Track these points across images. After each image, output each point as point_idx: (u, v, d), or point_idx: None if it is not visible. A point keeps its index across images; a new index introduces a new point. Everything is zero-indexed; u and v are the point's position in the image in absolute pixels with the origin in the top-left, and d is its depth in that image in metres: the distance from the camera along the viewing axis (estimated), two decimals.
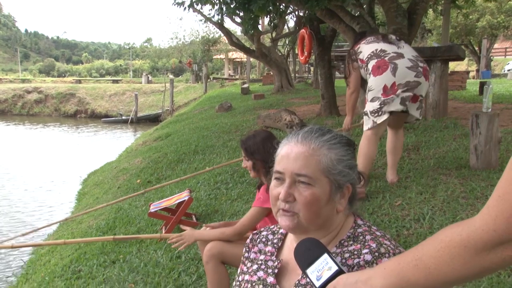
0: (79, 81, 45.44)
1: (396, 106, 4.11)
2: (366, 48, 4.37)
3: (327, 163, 1.23)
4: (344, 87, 5.09)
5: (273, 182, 1.29)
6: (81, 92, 37.65)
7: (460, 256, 0.87)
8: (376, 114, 4.17)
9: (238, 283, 1.44)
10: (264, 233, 1.47)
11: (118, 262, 4.23)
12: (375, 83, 4.19)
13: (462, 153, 5.17)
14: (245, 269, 1.43)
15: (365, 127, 4.28)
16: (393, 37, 4.47)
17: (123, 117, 31.60)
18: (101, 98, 36.87)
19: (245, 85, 22.05)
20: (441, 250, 0.90)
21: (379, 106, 4.15)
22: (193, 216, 5.02)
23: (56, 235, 7.01)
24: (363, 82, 4.54)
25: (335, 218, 1.27)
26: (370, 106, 4.22)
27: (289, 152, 1.26)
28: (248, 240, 1.49)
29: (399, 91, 4.11)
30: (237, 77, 39.50)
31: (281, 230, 1.44)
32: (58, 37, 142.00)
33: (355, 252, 1.18)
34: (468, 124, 4.87)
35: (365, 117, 4.30)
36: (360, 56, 4.40)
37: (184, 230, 2.91)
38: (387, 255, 1.14)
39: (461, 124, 6.69)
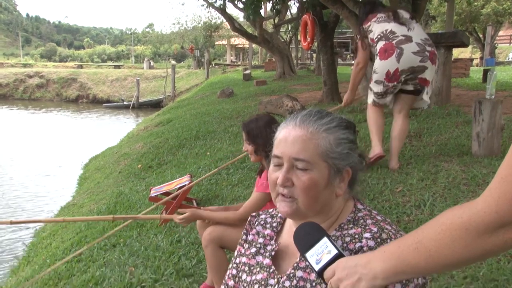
0: (81, 66, 45.37)
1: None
2: (376, 28, 4.38)
3: (325, 147, 1.20)
4: (346, 74, 5.08)
5: (272, 167, 1.27)
6: (82, 77, 37.56)
7: (461, 239, 0.85)
8: (380, 97, 4.39)
9: (235, 265, 1.43)
10: (263, 216, 1.46)
11: (119, 245, 4.24)
12: (379, 66, 4.32)
13: (464, 140, 5.15)
14: (242, 250, 1.42)
15: (369, 100, 4.55)
16: (405, 15, 4.42)
17: (125, 103, 31.53)
18: (102, 83, 36.80)
19: (247, 71, 21.96)
20: (441, 233, 0.88)
21: (383, 91, 4.34)
22: (194, 201, 5.02)
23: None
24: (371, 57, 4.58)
25: (334, 202, 1.25)
26: (374, 87, 4.42)
27: (287, 136, 1.23)
28: (246, 224, 1.49)
29: (402, 77, 4.25)
30: (239, 63, 39.35)
31: (280, 214, 1.42)
32: (59, 21, 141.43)
33: (356, 236, 1.17)
34: (471, 111, 4.84)
35: (369, 91, 4.53)
36: (371, 35, 4.43)
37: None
38: (389, 240, 1.12)
39: (463, 111, 6.66)
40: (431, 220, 0.94)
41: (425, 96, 4.40)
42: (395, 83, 4.28)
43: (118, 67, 44.66)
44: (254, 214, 1.50)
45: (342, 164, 1.23)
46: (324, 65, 10.05)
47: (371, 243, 1.13)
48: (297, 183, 1.20)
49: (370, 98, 4.52)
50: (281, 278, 1.24)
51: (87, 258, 4.11)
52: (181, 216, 2.81)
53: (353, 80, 4.70)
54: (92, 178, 9.15)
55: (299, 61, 27.08)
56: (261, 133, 2.75)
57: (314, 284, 1.17)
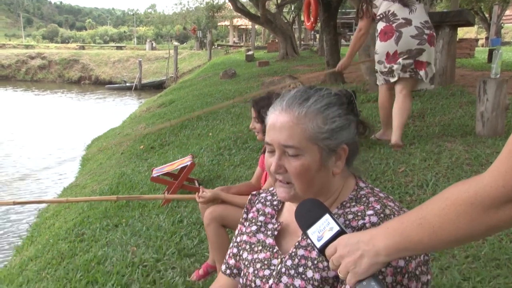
0: (83, 47, 45.15)
1: (397, 72, 4.47)
2: (381, 5, 4.55)
3: (313, 130, 1.16)
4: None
5: (267, 153, 1.26)
6: (84, 59, 37.43)
7: (466, 214, 0.83)
8: (390, 75, 4.56)
9: (236, 244, 1.43)
10: (263, 194, 1.45)
11: (121, 226, 4.26)
12: (380, 48, 4.56)
13: (468, 120, 5.11)
14: (243, 229, 1.41)
15: (378, 82, 4.79)
16: None
17: (127, 84, 31.46)
18: (105, 64, 36.68)
19: (250, 52, 21.87)
20: (446, 208, 0.86)
21: (387, 69, 4.54)
22: (196, 181, 5.03)
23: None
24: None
25: (332, 182, 1.23)
26: (377, 67, 4.67)
27: (274, 122, 1.21)
28: (247, 202, 1.48)
29: (400, 59, 4.43)
30: (241, 44, 39.13)
31: None
32: (61, 2, 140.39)
33: (359, 213, 1.15)
34: (475, 91, 4.80)
35: (377, 75, 4.78)
36: (375, 11, 4.60)
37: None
38: (391, 216, 1.11)
39: (468, 91, 6.61)
40: (435, 195, 0.92)
41: (425, 79, 4.47)
42: (393, 64, 4.46)
43: (120, 48, 44.46)
44: (254, 192, 1.48)
45: (335, 143, 1.19)
46: (327, 45, 9.96)
47: (374, 219, 1.11)
48: (289, 169, 1.18)
49: (379, 80, 4.74)
50: (284, 258, 1.23)
51: (89, 238, 4.13)
52: (202, 194, 2.79)
53: (353, 46, 4.80)
54: (95, 159, 9.17)
55: (302, 42, 26.89)
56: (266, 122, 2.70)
57: (315, 262, 1.16)
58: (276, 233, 1.31)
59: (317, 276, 1.14)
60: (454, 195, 0.86)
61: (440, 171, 3.78)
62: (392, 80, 4.52)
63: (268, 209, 1.38)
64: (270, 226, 1.34)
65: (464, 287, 2.43)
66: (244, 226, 1.42)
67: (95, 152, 9.91)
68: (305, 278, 1.16)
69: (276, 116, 1.21)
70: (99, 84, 34.34)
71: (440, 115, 5.51)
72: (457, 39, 9.02)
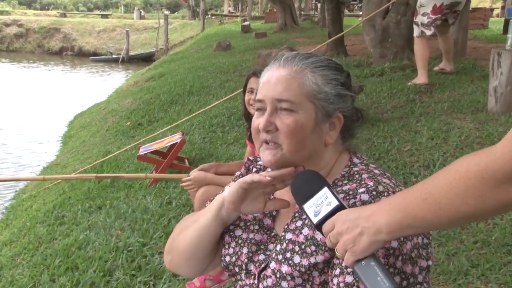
0: (64, 15, 44.37)
1: (437, 22, 5.58)
2: None
3: (311, 85, 1.16)
4: (352, 25, 4.98)
5: (255, 113, 1.22)
6: (66, 27, 36.87)
7: (476, 189, 0.81)
8: (427, 28, 5.57)
9: None
10: (261, 162, 1.37)
11: (105, 207, 4.25)
12: (426, 0, 5.53)
13: (480, 96, 5.08)
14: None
15: (415, 34, 5.76)
16: None
17: (113, 56, 31.17)
18: (89, 34, 36.22)
19: (246, 23, 21.70)
20: (454, 182, 0.83)
21: (428, 22, 5.52)
22: (186, 160, 5.00)
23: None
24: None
25: (324, 151, 1.21)
26: (420, 19, 5.62)
27: (270, 78, 1.19)
28: (242, 168, 1.42)
29: (445, 10, 5.50)
30: (237, 14, 38.78)
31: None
32: None
33: (351, 192, 1.12)
34: (488, 64, 4.76)
35: (415, 26, 5.76)
36: None
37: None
38: (385, 193, 1.08)
39: (480, 65, 6.57)
40: (443, 168, 0.89)
41: (452, 25, 5.97)
42: (440, 15, 5.49)
43: (105, 16, 43.83)
44: (251, 158, 1.43)
45: (332, 107, 1.18)
46: (329, 15, 9.84)
47: (365, 197, 1.09)
48: (281, 126, 1.15)
49: (417, 31, 5.68)
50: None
51: (70, 221, 4.12)
52: (185, 178, 2.79)
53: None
54: (77, 136, 9.12)
55: (302, 12, 26.68)
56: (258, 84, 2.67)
57: (303, 246, 1.13)
58: (274, 213, 1.28)
59: (304, 262, 1.12)
60: (464, 167, 0.83)
61: (448, 151, 3.76)
62: (429, 33, 5.54)
63: None
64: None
65: (472, 275, 2.43)
66: None
67: (78, 129, 9.87)
68: (292, 264, 1.13)
69: (272, 72, 1.21)
70: (82, 55, 33.92)
71: (449, 91, 5.48)
72: (470, 9, 8.93)
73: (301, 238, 1.15)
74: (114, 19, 41.67)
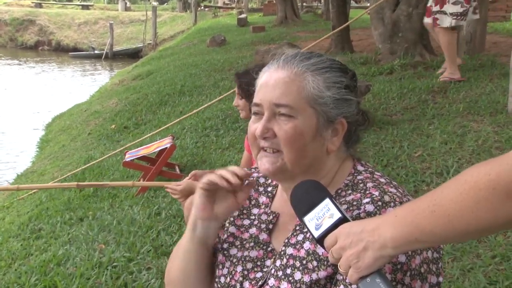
0: (40, 5, 44.05)
1: (469, 15, 5.70)
2: None
3: (312, 90, 1.16)
4: (359, 19, 5.00)
5: (252, 118, 1.23)
6: (42, 19, 36.70)
7: (487, 201, 0.82)
8: (459, 18, 5.63)
9: (225, 235, 1.37)
10: (255, 174, 1.40)
11: (87, 219, 4.26)
12: None
13: (499, 96, 5.10)
14: (231, 219, 1.37)
15: (445, 24, 5.70)
16: None
17: (96, 52, 31.17)
18: (68, 27, 36.15)
19: (243, 16, 21.73)
20: (464, 193, 0.84)
21: (462, 11, 5.59)
22: (177, 167, 5.02)
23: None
24: None
25: (326, 160, 1.22)
26: (451, 8, 5.61)
27: (268, 80, 1.20)
28: None
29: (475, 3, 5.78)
30: (233, 5, 38.82)
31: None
32: None
33: (355, 203, 1.13)
34: (510, 61, 4.79)
35: (442, 16, 5.70)
36: None
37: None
38: (392, 204, 1.10)
39: (500, 62, 6.59)
40: (452, 178, 0.90)
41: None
42: (472, 2, 5.65)
43: (86, 7, 43.72)
44: (245, 169, 1.44)
45: (334, 112, 1.19)
46: (334, 7, 9.87)
47: (370, 207, 1.10)
48: (279, 133, 1.16)
49: (447, 21, 5.66)
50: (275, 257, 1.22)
51: (47, 235, 4.13)
52: (172, 186, 2.79)
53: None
54: (56, 141, 9.13)
55: (304, 4, 26.73)
56: (255, 86, 2.71)
57: (304, 262, 1.15)
58: (271, 226, 1.29)
59: (306, 278, 1.13)
60: (474, 177, 0.84)
61: (463, 156, 3.79)
62: (464, 23, 5.97)
63: (263, 198, 1.36)
64: (264, 217, 1.31)
65: None
66: (233, 216, 1.38)
67: (56, 132, 9.87)
68: (292, 280, 1.14)
69: (270, 74, 1.21)
70: (61, 50, 33.82)
71: (465, 90, 5.50)
72: None
73: (302, 253, 1.16)
74: (96, 10, 41.56)
